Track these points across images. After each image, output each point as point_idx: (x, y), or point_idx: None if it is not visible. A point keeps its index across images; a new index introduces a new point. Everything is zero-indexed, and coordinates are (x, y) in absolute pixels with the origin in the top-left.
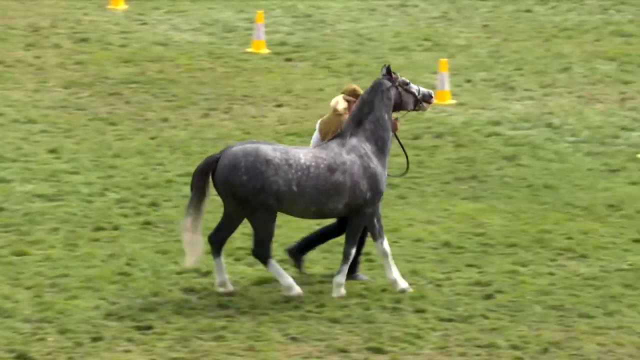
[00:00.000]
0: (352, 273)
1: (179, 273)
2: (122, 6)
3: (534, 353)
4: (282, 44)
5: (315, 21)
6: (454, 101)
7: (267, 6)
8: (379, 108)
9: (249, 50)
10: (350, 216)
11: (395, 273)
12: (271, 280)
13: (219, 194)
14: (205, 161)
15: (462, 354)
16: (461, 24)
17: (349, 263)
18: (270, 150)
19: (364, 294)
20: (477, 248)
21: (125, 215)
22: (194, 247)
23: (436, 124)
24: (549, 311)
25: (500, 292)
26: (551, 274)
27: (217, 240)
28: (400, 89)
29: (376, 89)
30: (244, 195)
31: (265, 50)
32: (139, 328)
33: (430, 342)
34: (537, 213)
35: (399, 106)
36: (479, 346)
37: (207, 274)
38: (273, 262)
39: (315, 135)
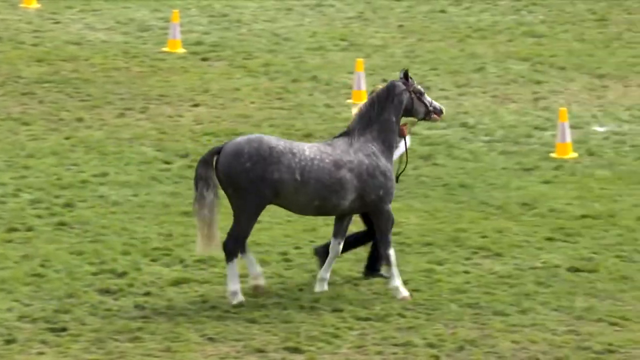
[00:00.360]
0: (374, 271)
1: (94, 274)
2: (35, 5)
3: (449, 351)
4: (198, 43)
5: (231, 20)
6: None
7: (183, 5)
8: (388, 110)
9: (164, 49)
10: (371, 218)
11: (328, 275)
12: (188, 280)
13: (221, 185)
14: (208, 152)
15: (379, 353)
16: (377, 24)
17: (394, 264)
18: (274, 139)
19: (282, 293)
20: (394, 247)
21: (39, 216)
22: (209, 240)
23: None
24: (464, 309)
25: (416, 290)
26: (466, 272)
27: None
28: (413, 95)
29: (389, 90)
30: (244, 183)
31: (181, 50)
32: (53, 330)
33: (347, 341)
34: (453, 212)
35: (409, 112)
36: (395, 345)
37: (122, 274)
38: (235, 262)
39: None
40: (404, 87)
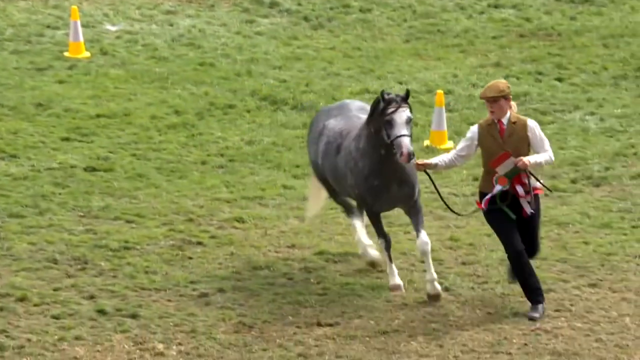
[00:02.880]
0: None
1: None
2: None
3: None
4: None
5: None
6: None
7: None
8: (371, 122)
9: None
10: None
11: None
12: None
13: None
14: None
15: None
16: None
17: (388, 257)
18: (345, 108)
19: None
20: None
21: None
22: (314, 198)
23: None
24: None
25: None
26: None
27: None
28: (381, 120)
29: (374, 104)
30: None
31: None
32: None
33: None
34: None
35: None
36: None
37: None
38: (355, 220)
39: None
40: (380, 108)
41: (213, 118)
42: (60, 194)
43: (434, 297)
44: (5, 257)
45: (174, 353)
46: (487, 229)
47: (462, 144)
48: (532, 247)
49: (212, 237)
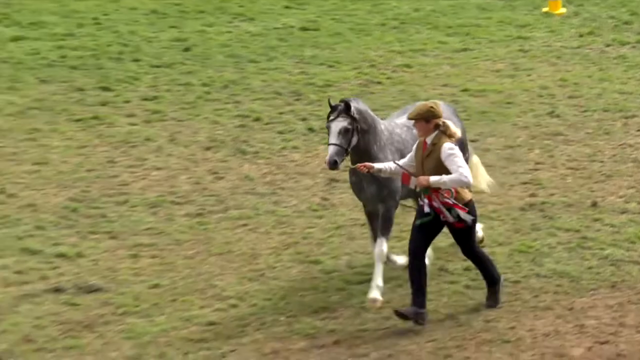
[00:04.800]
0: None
1: None
2: None
3: (218, 88)
4: None
5: None
6: None
7: None
8: None
9: None
10: None
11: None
12: None
13: None
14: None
15: (169, 91)
16: None
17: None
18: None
19: None
20: (177, 14)
21: None
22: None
23: None
24: (228, 59)
25: (195, 45)
26: (229, 32)
27: None
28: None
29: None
30: None
31: None
32: None
33: (143, 83)
34: None
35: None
36: (179, 84)
37: None
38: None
39: None
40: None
41: None
42: (282, 46)
43: (371, 301)
44: (246, 89)
45: None
46: None
47: (408, 155)
48: (470, 257)
49: (388, 78)
